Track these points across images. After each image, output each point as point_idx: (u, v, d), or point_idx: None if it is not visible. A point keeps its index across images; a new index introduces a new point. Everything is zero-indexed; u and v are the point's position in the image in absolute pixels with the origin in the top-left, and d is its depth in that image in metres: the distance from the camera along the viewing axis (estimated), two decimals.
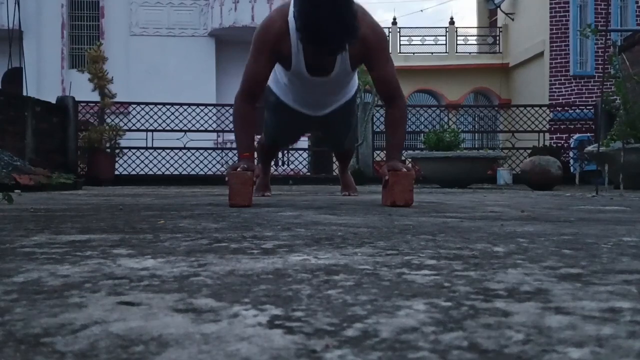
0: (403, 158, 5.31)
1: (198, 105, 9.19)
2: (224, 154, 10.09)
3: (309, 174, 8.50)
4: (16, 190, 4.33)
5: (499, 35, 17.62)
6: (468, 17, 59.65)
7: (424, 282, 0.75)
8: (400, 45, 17.62)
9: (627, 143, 5.89)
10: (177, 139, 8.99)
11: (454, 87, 17.09)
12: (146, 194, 4.26)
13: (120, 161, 8.95)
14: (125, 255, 0.99)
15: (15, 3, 11.72)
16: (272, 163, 4.03)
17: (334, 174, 8.71)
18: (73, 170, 7.71)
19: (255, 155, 3.25)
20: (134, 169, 9.05)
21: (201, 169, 9.27)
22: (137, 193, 4.60)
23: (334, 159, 6.69)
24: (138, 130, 9.00)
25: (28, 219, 1.81)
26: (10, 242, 1.20)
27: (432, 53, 17.69)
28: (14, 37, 11.21)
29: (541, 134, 9.59)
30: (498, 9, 17.26)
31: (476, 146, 11.52)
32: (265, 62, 2.70)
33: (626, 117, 6.34)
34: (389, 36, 17.36)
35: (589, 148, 6.81)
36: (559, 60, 14.15)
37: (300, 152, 10.02)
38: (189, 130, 9.02)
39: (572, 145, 10.33)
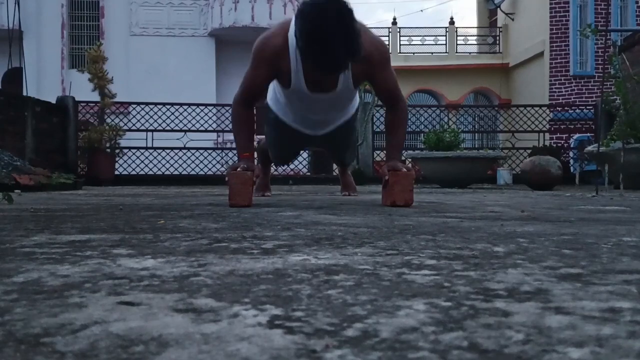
0: (403, 158, 5.31)
1: (198, 105, 9.19)
2: (224, 154, 10.09)
3: (309, 174, 8.49)
4: (16, 190, 4.33)
5: (499, 35, 17.62)
6: (468, 17, 59.74)
7: (424, 282, 0.75)
8: (400, 45, 17.62)
9: (627, 143, 5.89)
10: (177, 139, 8.99)
11: (454, 87, 17.09)
12: (146, 194, 4.26)
13: (120, 161, 8.95)
14: (125, 255, 0.99)
15: (15, 3, 11.73)
16: (272, 163, 4.01)
17: (334, 174, 8.70)
18: (73, 170, 7.71)
19: (255, 155, 3.24)
20: (134, 169, 9.05)
21: (201, 169, 9.27)
22: (137, 193, 4.60)
23: None
24: (138, 130, 9.00)
25: (28, 219, 1.81)
26: (10, 242, 1.20)
27: (432, 53, 17.68)
28: (14, 37, 11.21)
29: (541, 134, 9.59)
30: (498, 9, 17.26)
31: (476, 146, 11.52)
32: (264, 74, 2.66)
33: (626, 117, 6.34)
34: (388, 36, 17.42)
35: (589, 148, 6.81)
36: (559, 60, 14.15)
37: (301, 152, 9.99)
38: (189, 130, 9.02)
39: (572, 145, 10.33)
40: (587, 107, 10.35)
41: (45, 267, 0.87)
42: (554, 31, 14.19)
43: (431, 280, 0.76)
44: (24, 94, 9.45)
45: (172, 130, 8.99)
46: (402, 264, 0.90)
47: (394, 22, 18.14)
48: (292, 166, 10.90)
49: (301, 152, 4.23)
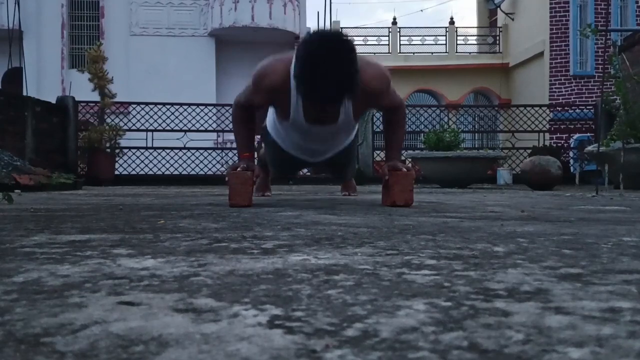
0: (403, 158, 5.31)
1: (198, 105, 9.19)
2: (224, 154, 10.09)
3: (309, 174, 8.47)
4: (16, 190, 4.33)
5: (499, 35, 17.62)
6: (468, 17, 59.73)
7: (424, 282, 0.75)
8: (400, 45, 17.61)
9: (627, 143, 5.89)
10: (177, 139, 8.99)
11: (454, 87, 17.08)
12: (146, 194, 4.26)
13: (120, 161, 8.95)
14: (125, 255, 0.99)
15: (15, 3, 11.73)
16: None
17: None
18: (73, 170, 7.71)
19: (255, 155, 3.24)
20: (134, 169, 9.05)
21: (201, 169, 9.27)
22: (137, 193, 4.60)
23: None
24: (138, 130, 8.99)
25: (28, 219, 1.81)
26: (10, 242, 1.20)
27: (432, 53, 17.68)
28: (14, 37, 11.22)
29: (541, 134, 9.58)
30: (498, 9, 17.26)
31: (476, 146, 11.51)
32: (262, 100, 2.65)
33: (626, 117, 6.34)
34: (388, 36, 17.43)
35: (589, 148, 6.81)
36: (559, 60, 14.15)
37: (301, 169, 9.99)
38: (189, 130, 9.02)
39: (572, 145, 10.33)
40: (587, 107, 10.35)
41: (45, 267, 0.87)
42: (554, 31, 14.20)
43: (431, 280, 0.76)
44: (24, 94, 9.45)
45: (172, 130, 8.99)
46: (402, 264, 0.90)
47: (394, 22, 18.13)
48: None
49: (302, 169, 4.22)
